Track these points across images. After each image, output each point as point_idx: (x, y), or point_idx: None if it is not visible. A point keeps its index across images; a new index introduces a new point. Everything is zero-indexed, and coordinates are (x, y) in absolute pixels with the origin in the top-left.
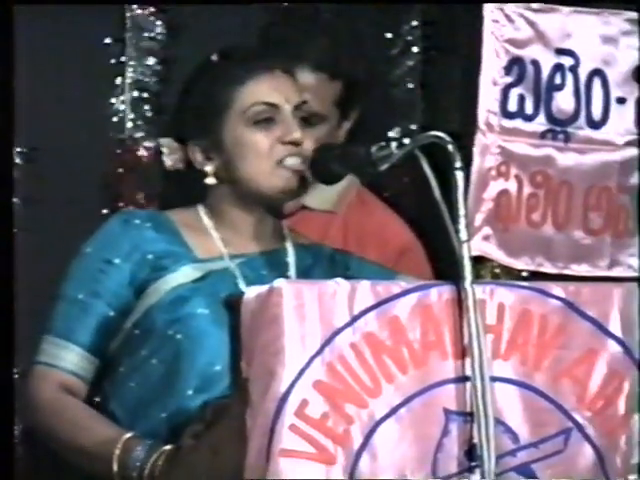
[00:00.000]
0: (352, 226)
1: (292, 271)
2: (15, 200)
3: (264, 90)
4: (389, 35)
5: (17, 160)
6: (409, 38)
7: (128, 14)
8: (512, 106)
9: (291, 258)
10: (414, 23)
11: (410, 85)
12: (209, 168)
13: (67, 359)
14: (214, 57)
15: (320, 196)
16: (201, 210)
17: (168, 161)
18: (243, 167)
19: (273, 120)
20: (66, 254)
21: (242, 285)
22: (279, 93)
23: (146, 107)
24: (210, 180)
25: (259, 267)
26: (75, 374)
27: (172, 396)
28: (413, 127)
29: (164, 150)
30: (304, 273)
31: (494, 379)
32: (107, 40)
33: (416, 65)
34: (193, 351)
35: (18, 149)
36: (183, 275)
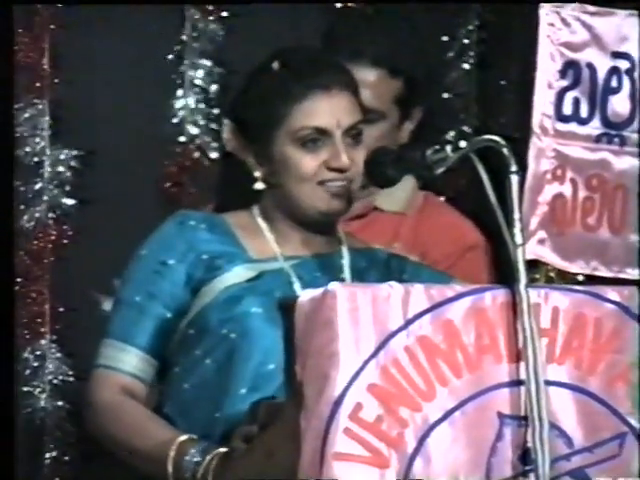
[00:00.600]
0: (423, 226)
1: (346, 274)
2: (71, 202)
3: (317, 113)
4: (445, 38)
5: (73, 163)
6: (465, 41)
7: (187, 14)
8: (567, 109)
9: (346, 260)
10: (470, 27)
11: (465, 88)
12: (258, 174)
13: (127, 361)
14: (275, 65)
15: (391, 198)
16: (256, 212)
17: (228, 145)
18: (287, 183)
19: (322, 142)
20: (122, 256)
21: (297, 285)
22: (331, 117)
23: (205, 109)
24: (259, 185)
25: (313, 269)
26: (135, 376)
27: (226, 396)
28: (468, 130)
29: (225, 132)
30: (359, 276)
31: (548, 383)
32: (167, 41)
33: (472, 68)
34: (247, 350)
35: (74, 152)
36: (237, 275)
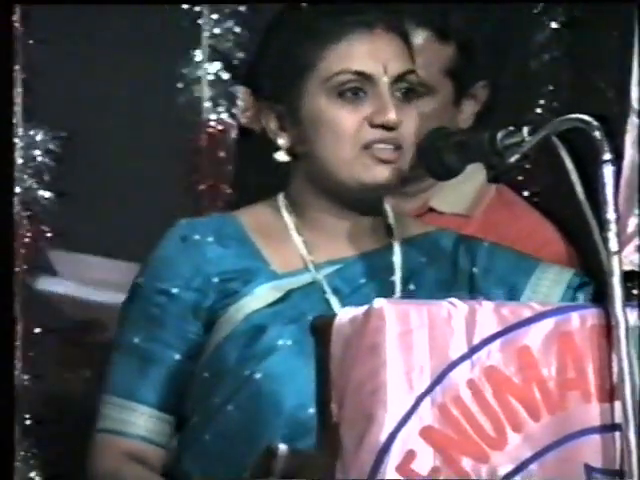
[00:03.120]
0: (491, 232)
1: (397, 275)
2: (49, 195)
3: (358, 55)
4: None
5: (52, 146)
6: None
7: None
8: None
9: (397, 257)
10: None
11: (554, 54)
12: (282, 141)
13: (134, 423)
14: (304, 4)
15: (451, 196)
16: (281, 202)
17: (242, 117)
18: (320, 148)
19: (364, 93)
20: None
21: (334, 302)
22: (376, 60)
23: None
24: (281, 156)
25: (355, 276)
26: (146, 439)
27: (256, 450)
28: (556, 107)
29: (239, 102)
30: (414, 277)
31: None
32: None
33: (561, 30)
34: (277, 393)
35: (53, 133)
36: (258, 298)
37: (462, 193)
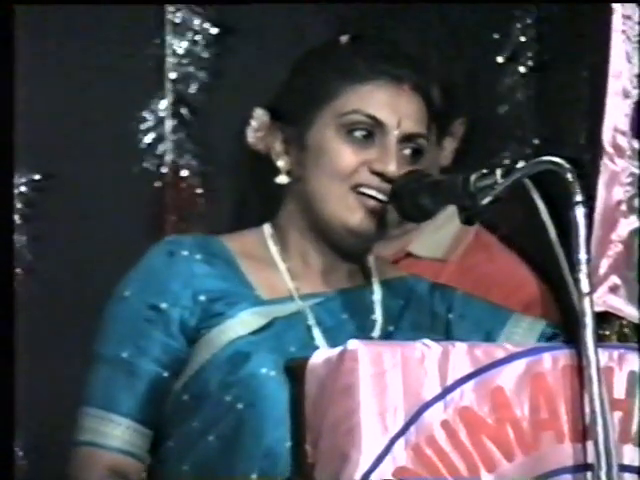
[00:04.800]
0: (468, 275)
1: (378, 313)
2: (22, 239)
3: (377, 101)
4: (496, 36)
5: (24, 189)
6: (521, 39)
7: (169, 15)
8: None
9: (377, 296)
10: (528, 21)
11: (521, 97)
12: (282, 164)
13: (114, 435)
14: (344, 38)
15: (429, 241)
16: (267, 231)
17: (251, 137)
18: (314, 178)
19: (372, 139)
20: (86, 306)
21: (317, 335)
22: (393, 112)
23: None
24: (282, 179)
25: (338, 310)
26: (127, 452)
27: None
28: (526, 150)
29: (252, 122)
30: (393, 318)
31: (623, 468)
32: (143, 44)
33: (529, 73)
34: (259, 424)
35: (24, 178)
36: (242, 323)
37: (440, 237)
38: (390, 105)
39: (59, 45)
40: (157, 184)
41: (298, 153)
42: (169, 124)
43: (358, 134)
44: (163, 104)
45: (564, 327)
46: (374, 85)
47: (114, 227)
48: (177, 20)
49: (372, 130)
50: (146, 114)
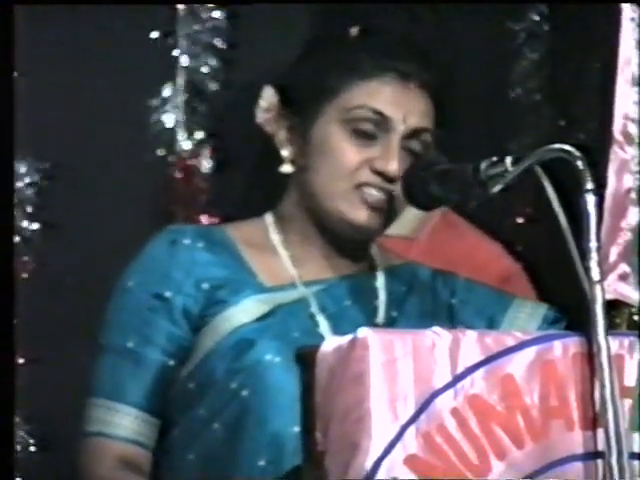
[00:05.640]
0: (437, 252)
1: (382, 299)
2: (34, 226)
3: (384, 96)
4: (509, 24)
5: (32, 178)
6: (535, 27)
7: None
8: None
9: (380, 283)
10: (542, 8)
11: (534, 85)
12: (286, 153)
13: (123, 425)
14: (354, 31)
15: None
16: (268, 219)
17: (260, 117)
18: (317, 173)
19: (375, 137)
20: (100, 294)
21: (321, 321)
22: (398, 107)
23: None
24: (286, 168)
25: (341, 297)
26: (135, 442)
27: (239, 470)
28: (536, 138)
29: (261, 102)
30: (397, 304)
31: (633, 456)
32: (154, 34)
33: (542, 60)
34: (264, 410)
35: (34, 167)
36: (246, 310)
37: (407, 216)
38: (396, 101)
39: (67, 34)
40: (168, 173)
41: (302, 144)
42: (180, 112)
43: (363, 130)
44: (174, 92)
45: (568, 312)
46: (380, 81)
47: (125, 216)
48: (188, 8)
49: (377, 126)
50: (156, 102)
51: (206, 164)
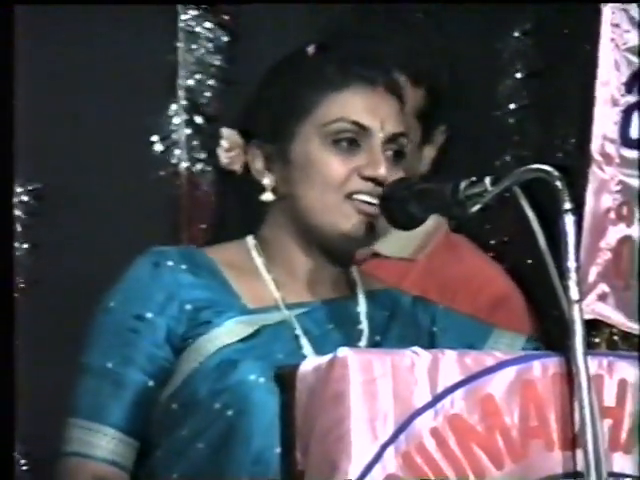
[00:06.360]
0: (435, 274)
1: (364, 324)
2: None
3: (358, 106)
4: (495, 43)
5: (25, 198)
6: (519, 46)
7: (181, 23)
8: (635, 132)
9: (362, 308)
10: (525, 27)
11: (514, 105)
12: (267, 181)
13: (101, 446)
14: (310, 49)
15: (395, 241)
16: (250, 242)
17: (224, 158)
18: (304, 191)
19: (357, 145)
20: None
21: (304, 342)
22: (374, 115)
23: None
24: (267, 196)
25: (324, 320)
26: (113, 463)
27: None
28: (519, 156)
29: (223, 143)
30: (379, 328)
31: (612, 475)
32: (155, 51)
33: (525, 79)
34: (248, 430)
35: (26, 187)
36: (229, 332)
37: (408, 238)
38: (370, 109)
39: (67, 49)
40: (172, 192)
41: (282, 169)
42: (183, 132)
43: (344, 142)
44: (177, 112)
45: (549, 335)
46: (350, 91)
47: (129, 236)
48: (189, 28)
49: (357, 136)
50: (159, 122)
51: (209, 184)
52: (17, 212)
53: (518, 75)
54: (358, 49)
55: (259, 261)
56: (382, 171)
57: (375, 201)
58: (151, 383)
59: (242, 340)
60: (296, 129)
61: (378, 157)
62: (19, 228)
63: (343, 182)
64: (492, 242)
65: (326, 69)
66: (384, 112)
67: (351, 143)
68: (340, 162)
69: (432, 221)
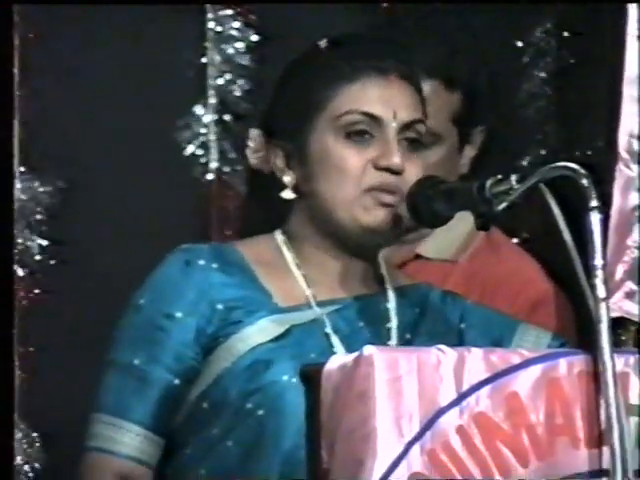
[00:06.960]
0: (477, 276)
1: (394, 322)
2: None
3: (369, 97)
4: (517, 42)
5: (47, 199)
6: (541, 44)
7: (210, 24)
8: None
9: (392, 304)
10: (548, 26)
11: (541, 103)
12: (288, 179)
13: (125, 443)
14: (322, 43)
15: (438, 243)
16: (279, 238)
17: (252, 158)
18: (323, 186)
19: (371, 136)
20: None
21: (336, 341)
22: (386, 105)
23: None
24: (288, 194)
25: (354, 318)
26: (136, 460)
27: None
28: (544, 154)
29: (250, 143)
30: (409, 326)
31: (639, 474)
32: (185, 52)
33: (549, 78)
34: (279, 430)
35: (50, 187)
36: (261, 331)
37: (449, 239)
38: (382, 98)
39: (100, 50)
40: (203, 192)
41: (302, 166)
42: (213, 131)
43: (357, 136)
44: (206, 111)
45: (578, 333)
46: (362, 82)
47: (160, 236)
48: (218, 28)
49: (369, 127)
50: (189, 121)
51: (240, 183)
52: (39, 216)
53: (542, 74)
54: (369, 42)
55: (289, 257)
56: (396, 160)
57: (393, 192)
58: (177, 382)
59: (274, 340)
60: (312, 125)
61: (392, 146)
62: (43, 228)
63: (359, 175)
64: (514, 240)
65: (338, 62)
66: (397, 101)
67: (364, 134)
68: (354, 154)
69: (471, 224)
